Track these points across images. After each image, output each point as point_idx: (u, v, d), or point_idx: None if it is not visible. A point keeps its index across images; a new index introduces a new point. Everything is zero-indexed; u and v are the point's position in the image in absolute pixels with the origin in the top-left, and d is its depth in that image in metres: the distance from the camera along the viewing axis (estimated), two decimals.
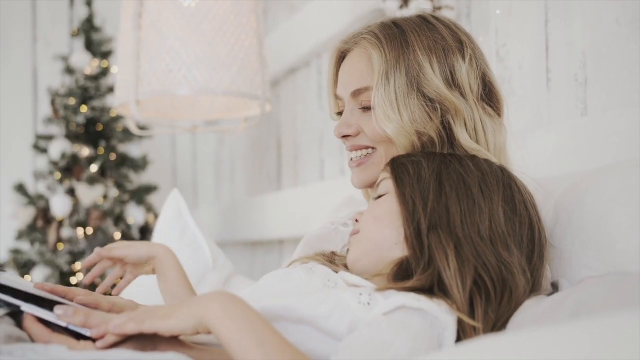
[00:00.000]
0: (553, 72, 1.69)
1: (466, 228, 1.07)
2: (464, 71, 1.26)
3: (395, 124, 1.23)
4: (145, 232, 3.12)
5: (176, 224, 1.63)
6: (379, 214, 1.15)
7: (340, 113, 1.39)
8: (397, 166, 1.18)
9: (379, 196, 1.19)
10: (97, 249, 1.41)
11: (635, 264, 1.06)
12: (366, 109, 1.30)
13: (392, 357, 0.91)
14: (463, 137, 1.23)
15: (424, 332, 0.96)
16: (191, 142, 3.81)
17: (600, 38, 1.56)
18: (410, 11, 1.92)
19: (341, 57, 1.38)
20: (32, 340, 0.97)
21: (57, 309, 0.96)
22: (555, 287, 1.19)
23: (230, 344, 0.90)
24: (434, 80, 1.24)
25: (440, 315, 0.97)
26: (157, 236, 1.94)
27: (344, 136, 1.33)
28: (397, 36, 1.27)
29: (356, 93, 1.30)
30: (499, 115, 1.33)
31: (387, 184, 1.18)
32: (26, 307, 0.96)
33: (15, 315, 0.99)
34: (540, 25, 1.71)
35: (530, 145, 1.64)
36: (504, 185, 1.13)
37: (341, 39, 1.38)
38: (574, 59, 1.62)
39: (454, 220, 1.07)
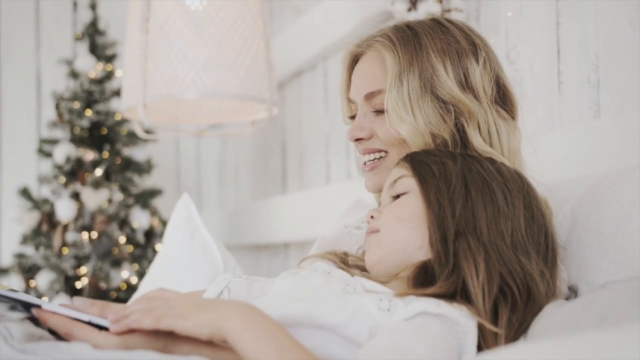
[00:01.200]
0: (565, 74, 1.68)
1: (492, 235, 1.05)
2: (477, 74, 1.25)
3: (410, 125, 1.22)
4: (150, 236, 3.11)
5: (186, 228, 1.62)
6: (403, 215, 1.13)
7: (353, 117, 1.38)
8: (419, 165, 1.15)
9: (398, 195, 1.17)
10: None
11: None
12: (379, 112, 1.29)
13: None
14: (477, 140, 1.23)
15: (443, 337, 0.95)
16: (195, 146, 3.80)
17: (613, 40, 1.55)
18: (419, 14, 1.92)
19: (354, 60, 1.38)
20: (54, 335, 0.97)
21: (76, 300, 0.96)
22: (573, 291, 1.18)
23: (249, 355, 0.90)
24: (448, 83, 1.23)
25: (461, 320, 0.96)
26: (167, 240, 1.93)
27: (357, 140, 1.32)
28: (411, 39, 1.26)
29: (369, 96, 1.30)
30: (513, 118, 1.32)
31: (408, 183, 1.15)
32: (47, 305, 0.96)
33: (36, 320, 0.99)
34: (552, 27, 1.71)
35: (543, 147, 1.64)
36: (522, 192, 1.12)
37: (354, 42, 1.37)
38: (587, 61, 1.62)
39: (480, 227, 1.06)
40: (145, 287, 1.49)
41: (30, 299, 0.96)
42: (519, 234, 1.07)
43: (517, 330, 1.00)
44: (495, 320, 0.99)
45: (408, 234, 1.11)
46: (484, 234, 1.05)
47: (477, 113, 1.23)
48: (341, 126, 2.63)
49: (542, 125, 1.73)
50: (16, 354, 0.88)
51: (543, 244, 1.10)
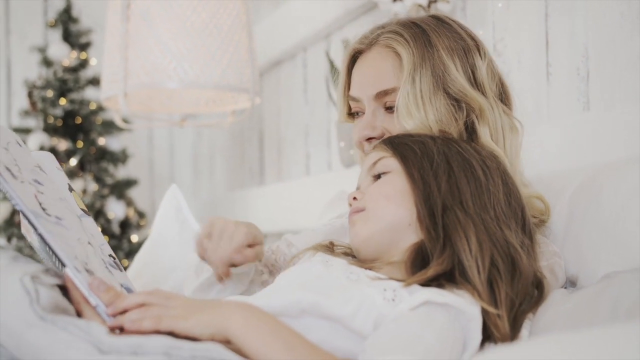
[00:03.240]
0: (554, 66, 1.68)
1: (477, 208, 1.07)
2: (484, 70, 1.26)
3: (418, 121, 1.21)
4: (125, 227, 3.07)
5: (175, 219, 1.60)
6: (389, 192, 1.13)
7: (352, 114, 1.35)
8: (399, 145, 1.16)
9: (379, 175, 1.16)
10: None
11: None
12: (391, 109, 1.27)
13: (423, 350, 0.89)
14: (485, 138, 1.22)
15: (449, 325, 0.95)
16: (169, 136, 3.76)
17: (603, 32, 1.55)
18: (405, 4, 1.91)
19: (353, 58, 1.35)
20: (76, 311, 0.96)
21: (93, 280, 0.94)
22: (572, 282, 1.19)
23: (258, 354, 0.89)
24: (459, 80, 1.22)
25: (465, 307, 0.96)
26: (156, 232, 1.91)
27: (367, 139, 1.29)
28: (420, 36, 1.25)
29: (381, 94, 1.27)
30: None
31: (390, 162, 1.15)
32: (69, 270, 0.94)
33: (62, 288, 0.98)
34: (541, 19, 1.71)
35: (532, 140, 1.64)
36: (500, 169, 1.14)
37: (355, 39, 1.35)
38: (576, 53, 1.62)
39: (466, 200, 1.08)
40: (133, 276, 1.48)
41: (64, 255, 0.94)
42: (499, 207, 1.09)
43: (514, 304, 1.00)
44: (493, 297, 1.00)
45: (396, 210, 1.11)
46: (470, 207, 1.07)
47: (487, 110, 1.23)
48: (321, 117, 2.62)
49: (531, 117, 1.73)
50: (36, 320, 0.88)
51: (521, 218, 1.11)
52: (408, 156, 1.13)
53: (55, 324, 0.88)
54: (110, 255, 1.18)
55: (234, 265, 1.27)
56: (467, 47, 1.26)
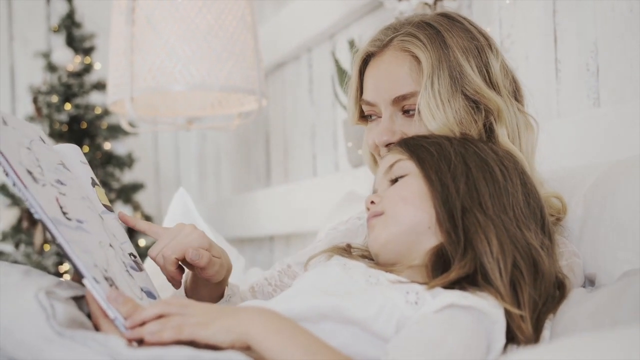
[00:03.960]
0: (562, 62, 1.67)
1: (496, 209, 1.06)
2: (497, 68, 1.24)
3: (440, 122, 1.19)
4: (133, 231, 3.06)
5: (184, 222, 1.59)
6: (407, 195, 1.11)
7: (364, 117, 1.34)
8: (415, 147, 1.15)
9: (396, 179, 1.15)
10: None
11: None
12: (409, 113, 1.25)
13: (446, 354, 0.88)
14: (503, 138, 1.21)
15: (473, 329, 0.94)
16: (174, 139, 3.76)
17: (612, 27, 1.55)
18: (411, 2, 1.90)
19: (364, 61, 1.33)
20: (94, 324, 0.95)
21: (111, 293, 0.93)
22: (590, 280, 1.18)
23: (279, 358, 0.88)
24: (476, 80, 1.21)
25: (489, 310, 0.95)
26: None
27: (386, 145, 1.27)
28: (435, 37, 1.23)
29: (400, 99, 1.24)
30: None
31: (406, 165, 1.14)
32: (87, 282, 0.93)
33: (79, 299, 0.98)
34: (548, 14, 1.70)
35: (542, 137, 1.63)
36: (517, 169, 1.13)
37: (365, 41, 1.33)
38: (585, 49, 1.61)
39: (485, 202, 1.06)
40: None
41: (82, 266, 0.94)
42: (518, 208, 1.08)
43: (537, 305, 0.99)
44: (516, 299, 0.99)
45: (415, 213, 1.10)
46: (489, 208, 1.05)
47: (504, 110, 1.22)
48: (327, 118, 2.61)
49: (540, 114, 1.72)
50: (54, 335, 0.87)
51: (540, 219, 1.10)
52: (425, 158, 1.12)
53: (74, 339, 0.87)
54: (131, 254, 1.17)
55: (184, 262, 1.23)
56: (480, 45, 1.24)
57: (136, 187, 3.10)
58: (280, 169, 2.99)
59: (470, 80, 1.21)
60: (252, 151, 3.22)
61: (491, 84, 1.23)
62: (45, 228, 0.95)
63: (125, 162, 3.07)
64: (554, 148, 1.60)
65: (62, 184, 1.06)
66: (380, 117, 1.27)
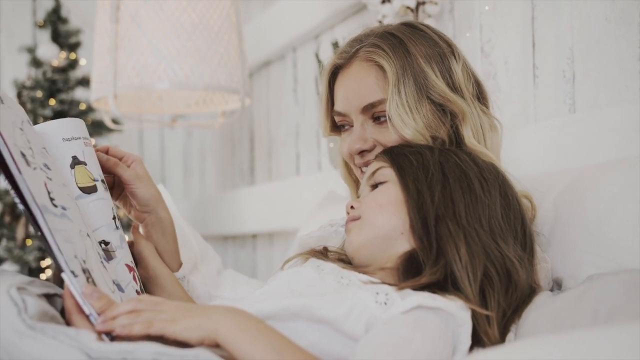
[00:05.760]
0: (540, 68, 1.70)
1: (471, 219, 1.09)
2: (460, 73, 1.29)
3: (412, 129, 1.23)
4: None
5: None
6: (383, 201, 1.15)
7: (337, 128, 1.37)
8: (397, 156, 1.19)
9: (377, 185, 1.19)
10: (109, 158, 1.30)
11: (638, 261, 1.07)
12: (380, 120, 1.29)
13: (412, 354, 0.91)
14: (469, 140, 1.25)
15: (439, 330, 0.96)
16: (159, 136, 3.76)
17: (588, 35, 1.57)
18: (394, 6, 1.92)
19: (333, 73, 1.37)
20: (65, 319, 0.97)
21: (87, 288, 0.95)
22: (557, 284, 1.21)
23: (246, 357, 0.90)
24: (440, 86, 1.26)
25: (456, 312, 0.98)
26: None
27: (360, 152, 1.31)
28: (398, 46, 1.28)
29: (369, 107, 1.29)
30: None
31: (387, 172, 1.18)
32: (65, 276, 0.95)
33: (51, 297, 1.00)
34: (527, 21, 1.73)
35: (519, 141, 1.66)
36: (498, 181, 1.15)
37: (334, 55, 1.37)
38: (562, 55, 1.64)
39: (459, 212, 1.09)
40: None
41: (62, 260, 0.94)
42: (496, 220, 1.11)
43: (505, 314, 1.02)
44: (485, 305, 1.01)
45: (389, 219, 1.13)
46: (462, 218, 1.08)
47: (468, 113, 1.27)
48: (311, 117, 2.63)
49: (518, 119, 1.75)
50: (26, 329, 0.89)
51: (520, 231, 1.13)
52: (404, 167, 1.16)
53: (45, 333, 0.89)
54: (102, 242, 1.17)
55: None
56: (442, 52, 1.29)
57: None
58: (264, 167, 3.00)
59: (434, 85, 1.25)
60: (237, 149, 3.23)
61: (454, 88, 1.28)
62: (30, 216, 0.94)
63: None
64: (531, 152, 1.63)
65: (48, 168, 1.05)
66: (352, 126, 1.31)
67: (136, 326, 0.93)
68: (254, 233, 3.02)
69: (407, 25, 1.35)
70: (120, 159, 1.31)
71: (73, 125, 1.19)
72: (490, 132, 1.30)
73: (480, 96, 1.34)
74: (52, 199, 0.99)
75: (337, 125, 1.37)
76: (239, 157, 3.21)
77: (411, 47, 1.28)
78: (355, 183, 1.40)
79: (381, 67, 1.28)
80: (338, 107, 1.34)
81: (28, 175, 0.95)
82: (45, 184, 1.00)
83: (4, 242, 2.94)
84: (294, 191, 2.63)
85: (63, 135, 1.17)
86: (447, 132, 1.26)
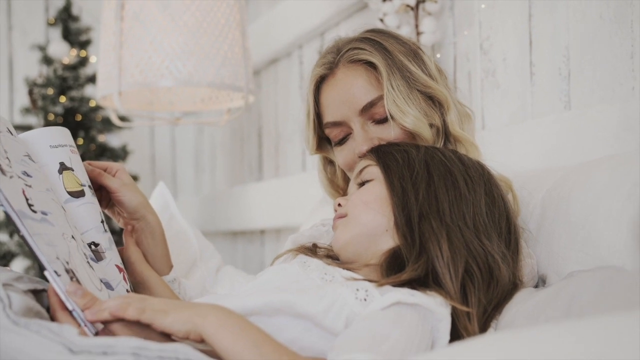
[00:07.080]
0: (537, 65, 1.70)
1: (454, 217, 1.10)
2: (433, 67, 1.34)
3: (412, 117, 1.26)
4: None
5: (163, 216, 1.63)
6: (369, 199, 1.17)
7: (320, 146, 1.39)
8: (384, 154, 1.21)
9: (364, 183, 1.20)
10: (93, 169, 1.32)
11: (622, 258, 1.08)
12: (379, 121, 1.30)
13: (388, 349, 0.92)
14: (453, 127, 1.30)
15: (417, 325, 0.97)
16: (170, 133, 3.79)
17: (584, 33, 1.58)
18: (395, 4, 1.93)
19: (318, 86, 1.37)
20: (50, 315, 0.99)
21: (70, 286, 0.97)
22: (542, 280, 1.22)
23: (227, 351, 0.92)
24: (423, 77, 1.30)
25: (435, 308, 0.99)
26: None
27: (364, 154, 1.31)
28: (377, 45, 1.32)
29: (368, 107, 1.30)
30: None
31: (373, 170, 1.20)
32: (48, 274, 0.97)
33: (38, 293, 1.02)
34: (524, 19, 1.73)
35: (515, 138, 1.67)
36: (483, 178, 1.16)
37: (314, 69, 1.38)
38: (558, 53, 1.64)
39: (443, 209, 1.11)
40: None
41: (44, 260, 0.97)
42: (480, 217, 1.12)
43: (486, 311, 1.03)
44: (465, 302, 1.03)
45: (374, 216, 1.15)
46: (446, 215, 1.10)
47: (450, 101, 1.32)
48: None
49: (516, 116, 1.76)
50: (10, 324, 0.90)
51: (505, 228, 1.15)
52: (390, 165, 1.18)
53: (28, 328, 0.91)
54: (92, 243, 1.19)
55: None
56: (412, 48, 1.34)
57: None
58: (271, 164, 3.02)
59: (418, 77, 1.29)
60: (245, 145, 3.25)
61: (433, 79, 1.32)
62: (10, 221, 0.98)
63: (119, 155, 3.11)
64: (527, 149, 1.63)
65: (28, 175, 1.08)
66: (350, 133, 1.31)
67: (130, 309, 0.95)
68: (262, 229, 3.04)
69: (374, 30, 1.39)
70: (105, 170, 1.33)
71: (59, 134, 1.22)
72: (467, 120, 1.35)
73: (450, 87, 1.39)
74: (30, 205, 1.02)
75: (321, 143, 1.38)
76: (248, 153, 3.23)
77: (388, 45, 1.31)
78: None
79: (368, 67, 1.30)
80: (331, 117, 1.33)
81: (3, 183, 0.98)
82: (24, 191, 1.03)
83: (16, 237, 2.99)
84: (301, 187, 2.64)
85: (50, 143, 1.19)
86: (440, 121, 1.29)
